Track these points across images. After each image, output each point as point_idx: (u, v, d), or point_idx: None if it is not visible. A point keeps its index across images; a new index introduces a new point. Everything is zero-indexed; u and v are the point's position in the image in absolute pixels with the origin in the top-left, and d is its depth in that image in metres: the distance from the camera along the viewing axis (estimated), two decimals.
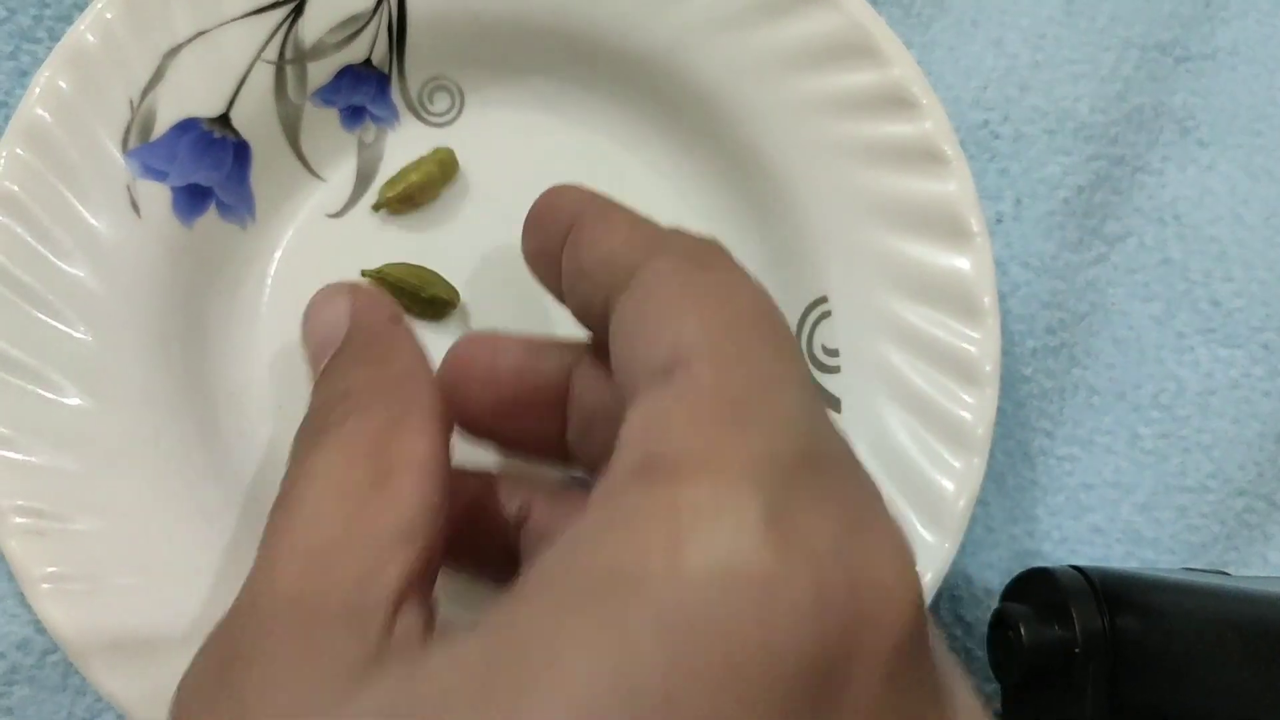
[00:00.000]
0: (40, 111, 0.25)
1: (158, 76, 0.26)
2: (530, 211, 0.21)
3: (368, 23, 0.28)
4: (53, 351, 0.25)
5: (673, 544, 0.13)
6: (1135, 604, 0.24)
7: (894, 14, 0.32)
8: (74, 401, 0.25)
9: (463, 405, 0.22)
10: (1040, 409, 0.32)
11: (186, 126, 0.26)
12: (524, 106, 0.29)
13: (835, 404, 0.27)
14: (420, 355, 0.21)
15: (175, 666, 0.24)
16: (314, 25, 0.27)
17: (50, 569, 0.24)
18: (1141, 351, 0.32)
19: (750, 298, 0.17)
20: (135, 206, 0.26)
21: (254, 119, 0.27)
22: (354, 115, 0.29)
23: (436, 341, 0.29)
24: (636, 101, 0.29)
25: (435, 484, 0.18)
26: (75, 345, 0.25)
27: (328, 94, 0.28)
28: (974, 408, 0.26)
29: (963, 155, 0.27)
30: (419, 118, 0.29)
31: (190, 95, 0.26)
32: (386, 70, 0.28)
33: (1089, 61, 0.32)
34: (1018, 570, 0.28)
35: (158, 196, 0.26)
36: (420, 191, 0.29)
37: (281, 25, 0.27)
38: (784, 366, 0.16)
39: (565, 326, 0.29)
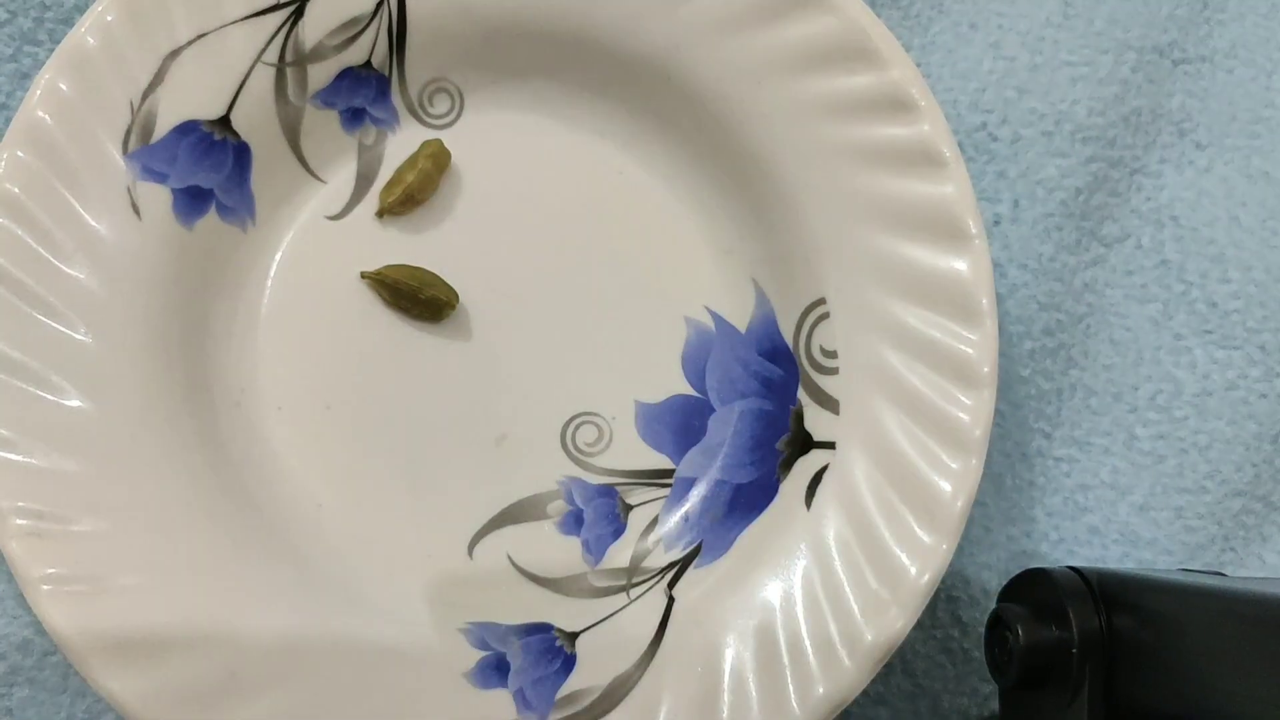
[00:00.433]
0: (41, 114, 0.25)
1: (158, 79, 0.26)
2: None
3: (368, 25, 0.28)
4: (53, 353, 0.25)
5: None
6: (1132, 605, 0.24)
7: (892, 17, 0.32)
8: (74, 403, 0.25)
9: None
10: (1038, 410, 0.32)
11: (187, 129, 0.27)
12: (523, 108, 0.30)
13: (833, 405, 0.27)
14: None
15: (175, 667, 0.24)
16: (314, 28, 0.27)
17: (50, 570, 0.24)
18: (1139, 353, 0.32)
19: None
20: (136, 208, 0.26)
21: (254, 121, 0.27)
22: (354, 117, 0.29)
23: (435, 343, 0.29)
24: (635, 104, 0.29)
25: None
26: (75, 347, 0.25)
27: (328, 96, 0.28)
28: (971, 409, 0.26)
29: (960, 157, 0.27)
30: (419, 120, 0.29)
31: (191, 97, 0.26)
32: (386, 72, 0.29)
33: (1086, 64, 0.32)
34: (1015, 571, 0.28)
35: (158, 198, 0.26)
36: (419, 189, 0.29)
37: (282, 28, 0.27)
38: None
39: (566, 325, 0.29)
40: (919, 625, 0.30)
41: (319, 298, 0.28)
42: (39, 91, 0.25)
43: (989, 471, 0.31)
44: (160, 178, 0.26)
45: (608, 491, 0.29)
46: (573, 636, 0.27)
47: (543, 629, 0.27)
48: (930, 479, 0.26)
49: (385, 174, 0.29)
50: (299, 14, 0.27)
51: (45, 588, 0.24)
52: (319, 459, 0.28)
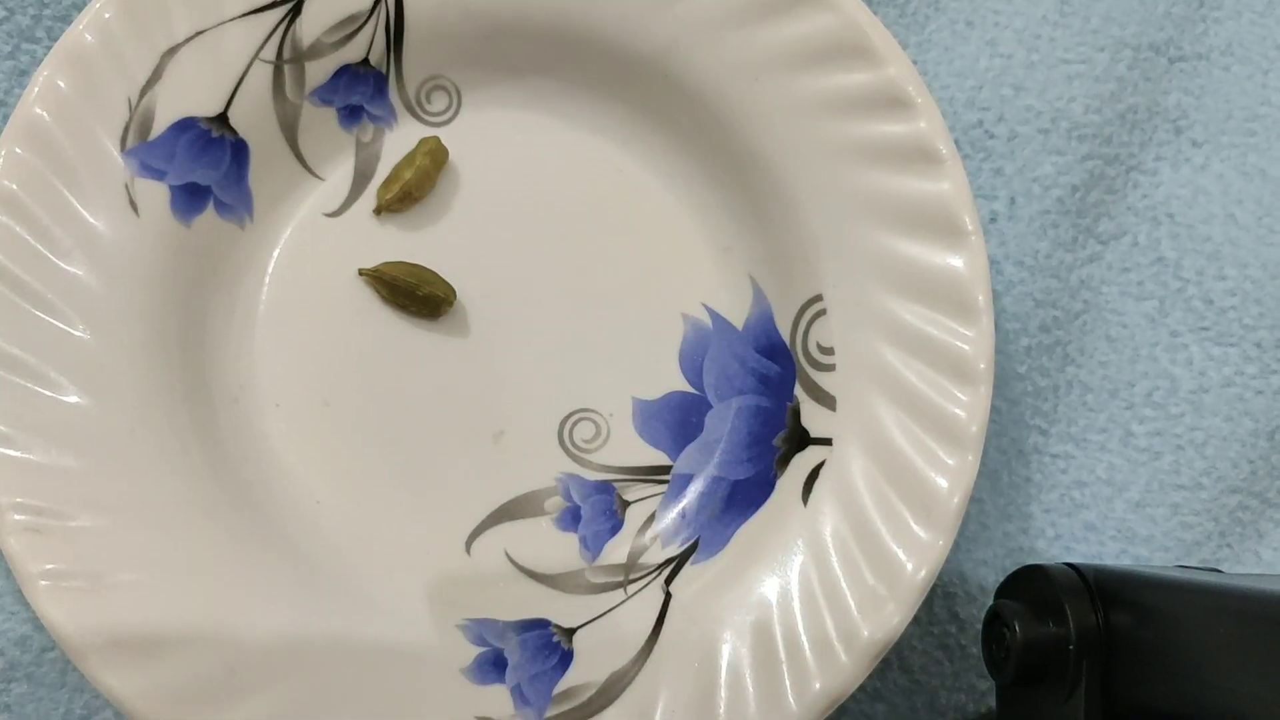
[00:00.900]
0: (39, 111, 0.25)
1: (156, 76, 0.26)
2: None
3: (365, 22, 0.28)
4: (51, 349, 0.25)
5: None
6: (1129, 601, 0.24)
7: (889, 14, 0.32)
8: (73, 399, 0.25)
9: None
10: (1034, 407, 0.32)
11: (185, 126, 0.27)
12: (521, 106, 0.30)
13: (830, 402, 0.27)
14: None
15: (173, 663, 0.24)
16: (312, 25, 0.27)
17: (49, 566, 0.24)
18: (1135, 350, 0.32)
19: None
20: (134, 205, 0.26)
21: (252, 118, 0.27)
22: (352, 115, 0.29)
23: (433, 339, 0.29)
24: (633, 101, 0.29)
25: None
26: (74, 343, 0.25)
27: (325, 93, 0.28)
28: (968, 405, 0.26)
29: (957, 154, 0.27)
30: (417, 117, 0.29)
31: (188, 94, 0.26)
32: (384, 70, 0.29)
33: (1083, 61, 0.32)
34: (1012, 567, 0.28)
35: (156, 195, 0.26)
36: (417, 186, 0.29)
37: (279, 25, 0.27)
38: None
39: (564, 322, 0.29)
40: (916, 621, 0.30)
41: (317, 294, 0.29)
42: (37, 89, 0.25)
43: (985, 468, 0.31)
44: (158, 175, 0.26)
45: (605, 488, 0.29)
46: (570, 632, 0.27)
47: (540, 625, 0.27)
48: (927, 475, 0.26)
49: (383, 171, 0.29)
50: (297, 11, 0.27)
51: (44, 583, 0.24)
52: (317, 455, 0.28)
